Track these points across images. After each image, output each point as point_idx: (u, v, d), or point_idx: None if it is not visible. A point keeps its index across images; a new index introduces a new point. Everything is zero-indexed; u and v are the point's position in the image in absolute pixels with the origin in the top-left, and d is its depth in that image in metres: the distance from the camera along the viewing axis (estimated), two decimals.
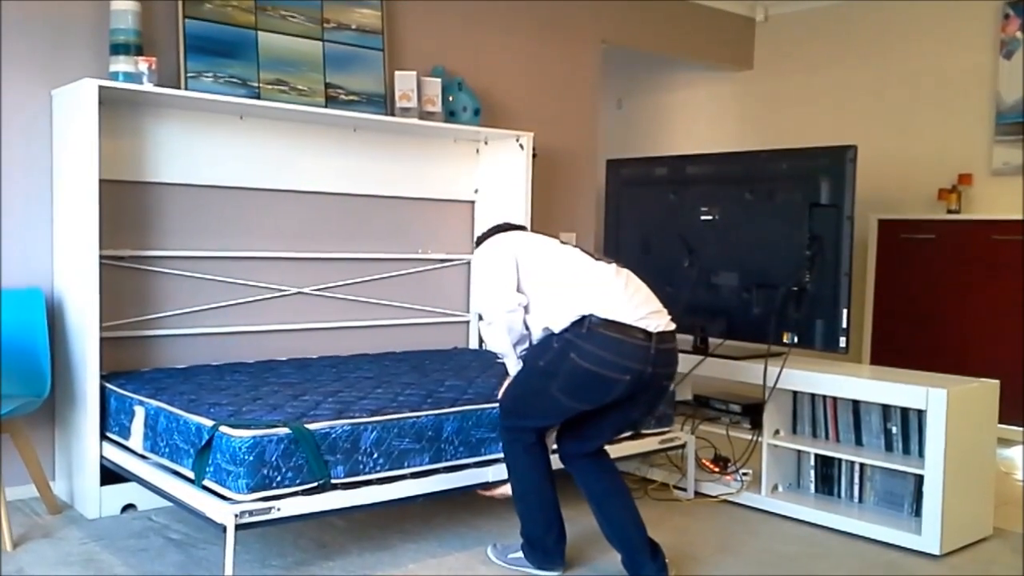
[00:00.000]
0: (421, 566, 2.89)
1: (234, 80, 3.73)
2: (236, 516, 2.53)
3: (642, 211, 4.12)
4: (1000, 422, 3.38)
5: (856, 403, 3.43)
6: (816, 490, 3.59)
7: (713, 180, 3.89)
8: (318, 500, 2.70)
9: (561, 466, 2.85)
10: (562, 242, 2.87)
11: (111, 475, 3.23)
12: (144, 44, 3.46)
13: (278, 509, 2.60)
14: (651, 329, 2.59)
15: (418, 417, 2.95)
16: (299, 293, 4.01)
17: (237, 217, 3.83)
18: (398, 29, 4.35)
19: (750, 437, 3.61)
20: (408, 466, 2.91)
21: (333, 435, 2.74)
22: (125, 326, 3.53)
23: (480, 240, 2.98)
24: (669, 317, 2.70)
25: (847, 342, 3.46)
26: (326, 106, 3.95)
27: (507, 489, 2.87)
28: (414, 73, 4.20)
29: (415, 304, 4.38)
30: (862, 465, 3.44)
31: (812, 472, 3.60)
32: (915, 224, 5.20)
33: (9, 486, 3.24)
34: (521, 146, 4.36)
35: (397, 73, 4.17)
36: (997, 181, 5.19)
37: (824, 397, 3.51)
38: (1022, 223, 4.76)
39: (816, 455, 3.57)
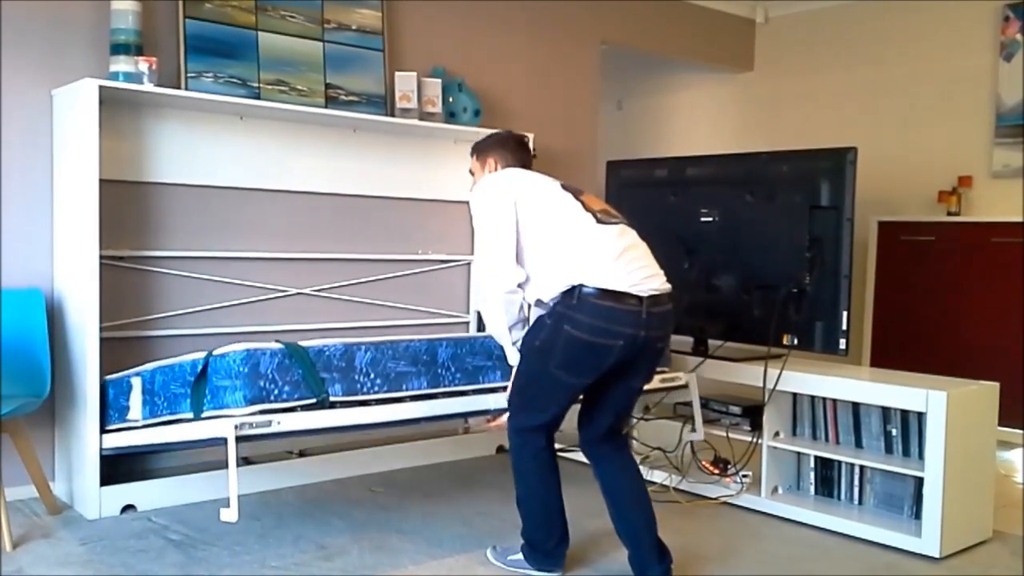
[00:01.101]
0: (420, 567, 2.88)
1: (234, 80, 3.73)
2: (236, 428, 2.51)
3: (642, 212, 4.05)
4: (1000, 424, 3.38)
5: (856, 405, 3.43)
6: (816, 492, 3.59)
7: (713, 182, 3.88)
8: (317, 416, 2.68)
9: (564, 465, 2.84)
10: (563, 186, 2.76)
11: (111, 476, 3.23)
12: (144, 44, 3.46)
13: (278, 423, 2.60)
14: (643, 294, 2.58)
15: (411, 341, 2.95)
16: (299, 294, 4.00)
17: (236, 217, 3.83)
18: (398, 30, 4.35)
19: (750, 439, 3.61)
20: (406, 389, 2.90)
21: (327, 352, 2.75)
22: (125, 326, 3.53)
23: (477, 149, 2.96)
24: (664, 279, 2.68)
25: (847, 344, 3.46)
26: (326, 107, 3.95)
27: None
28: (414, 74, 4.20)
29: (415, 305, 4.38)
30: (862, 467, 3.43)
31: (812, 474, 3.60)
32: (915, 226, 5.20)
33: (9, 486, 3.23)
34: None
35: (397, 74, 4.17)
36: (997, 183, 5.19)
37: (824, 399, 3.51)
38: (1022, 225, 4.76)
39: (816, 457, 3.57)
